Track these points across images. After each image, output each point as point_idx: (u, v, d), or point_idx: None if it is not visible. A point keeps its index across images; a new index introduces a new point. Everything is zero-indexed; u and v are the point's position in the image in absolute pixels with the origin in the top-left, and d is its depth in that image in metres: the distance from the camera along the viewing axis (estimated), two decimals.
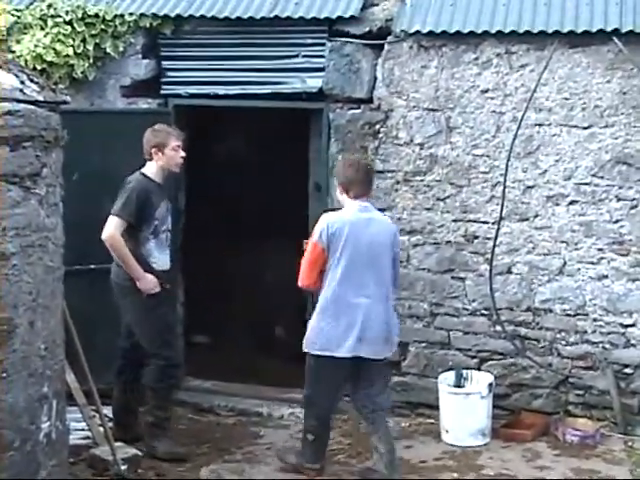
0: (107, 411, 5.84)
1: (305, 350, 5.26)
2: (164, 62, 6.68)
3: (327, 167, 6.48)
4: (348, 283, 5.11)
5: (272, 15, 6.38)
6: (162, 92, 6.70)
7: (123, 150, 6.26)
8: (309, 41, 6.46)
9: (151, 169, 5.67)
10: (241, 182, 7.99)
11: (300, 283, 5.29)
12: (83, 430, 5.58)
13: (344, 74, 6.37)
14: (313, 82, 6.45)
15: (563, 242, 6.19)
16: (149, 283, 5.55)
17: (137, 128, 6.30)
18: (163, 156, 5.63)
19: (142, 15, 6.54)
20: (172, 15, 6.51)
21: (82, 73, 6.57)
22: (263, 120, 7.19)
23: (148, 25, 6.54)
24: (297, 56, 6.49)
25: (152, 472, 5.43)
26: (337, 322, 5.12)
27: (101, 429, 5.45)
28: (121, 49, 6.60)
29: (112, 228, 5.45)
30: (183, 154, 5.71)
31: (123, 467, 5.26)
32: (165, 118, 6.53)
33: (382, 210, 6.35)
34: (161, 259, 5.69)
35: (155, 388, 5.64)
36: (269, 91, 6.53)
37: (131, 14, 6.55)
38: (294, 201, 6.85)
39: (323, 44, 6.42)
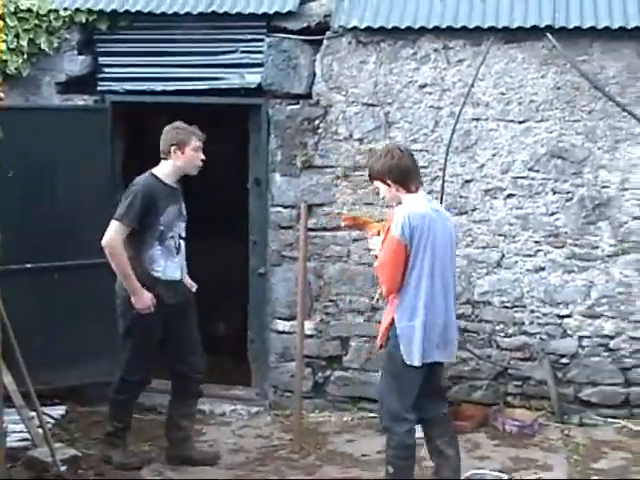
0: (48, 411, 5.81)
1: (408, 363, 4.56)
2: (100, 58, 6.60)
3: (267, 163, 6.48)
4: (434, 285, 4.56)
5: (209, 10, 6.35)
6: (99, 89, 6.61)
7: (59, 147, 6.19)
8: (247, 37, 6.43)
9: (164, 170, 5.28)
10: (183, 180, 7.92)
11: (386, 290, 4.64)
12: (21, 432, 5.50)
13: (282, 70, 6.36)
14: (252, 78, 6.42)
15: (501, 235, 6.27)
16: (144, 301, 5.14)
17: (73, 125, 6.28)
18: (182, 156, 5.24)
19: (77, 10, 6.45)
20: (108, 10, 6.43)
21: (16, 69, 6.46)
22: (201, 116, 7.14)
23: (83, 20, 6.45)
24: (235, 52, 6.46)
25: (91, 472, 5.38)
26: (433, 327, 4.56)
27: (40, 430, 5.37)
28: (56, 45, 6.50)
29: (112, 234, 5.08)
30: (203, 157, 5.34)
31: (62, 468, 5.19)
32: (102, 115, 6.49)
33: (321, 205, 6.42)
34: (168, 268, 5.25)
35: (112, 399, 5.47)
36: (207, 87, 6.49)
37: (66, 9, 6.46)
38: (235, 198, 6.84)
39: (261, 40, 6.40)
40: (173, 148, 5.23)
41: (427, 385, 4.70)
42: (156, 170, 5.30)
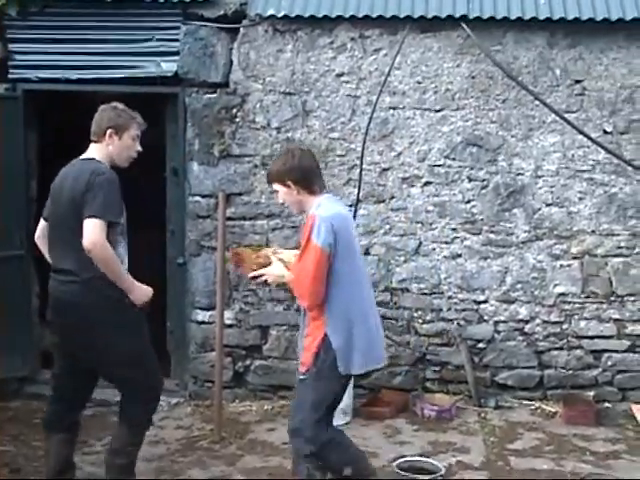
0: None
1: (341, 371, 4.24)
2: (11, 45, 6.41)
3: (184, 152, 6.42)
4: (364, 285, 4.33)
5: None
6: (10, 76, 6.45)
7: None
8: (163, 24, 6.34)
9: (100, 154, 4.57)
10: None
11: (309, 304, 4.26)
12: None
13: (199, 58, 6.31)
14: (168, 66, 6.34)
15: (418, 223, 6.34)
16: (144, 292, 4.53)
17: None
18: (119, 142, 4.57)
19: None
20: None
21: None
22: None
23: None
24: (151, 40, 6.37)
25: (7, 469, 5.26)
26: (369, 330, 4.29)
27: None
28: None
29: (96, 233, 4.27)
30: (140, 149, 4.71)
31: None
32: (13, 103, 6.33)
33: (240, 194, 6.39)
34: (126, 263, 4.61)
35: (135, 422, 4.64)
36: (124, 75, 6.38)
37: None
38: (153, 188, 6.76)
39: (178, 27, 6.33)
40: (109, 131, 4.55)
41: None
42: (94, 155, 4.58)
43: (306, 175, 4.26)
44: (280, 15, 6.18)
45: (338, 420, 5.95)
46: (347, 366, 4.24)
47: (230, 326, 6.40)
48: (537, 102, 6.07)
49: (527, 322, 6.33)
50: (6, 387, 6.32)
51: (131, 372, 4.53)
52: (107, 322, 4.41)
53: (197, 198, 6.43)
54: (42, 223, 4.75)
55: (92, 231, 4.28)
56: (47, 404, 4.81)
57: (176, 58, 6.32)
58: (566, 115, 6.05)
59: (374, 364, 4.38)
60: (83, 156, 4.64)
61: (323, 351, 4.22)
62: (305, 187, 4.26)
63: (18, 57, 6.42)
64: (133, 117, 4.66)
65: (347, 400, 6.07)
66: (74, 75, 6.39)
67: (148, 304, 4.55)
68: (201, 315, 6.50)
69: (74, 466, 4.72)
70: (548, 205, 6.24)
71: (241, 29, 6.30)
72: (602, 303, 6.27)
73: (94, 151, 4.60)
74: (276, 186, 4.34)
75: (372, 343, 4.30)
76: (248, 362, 6.51)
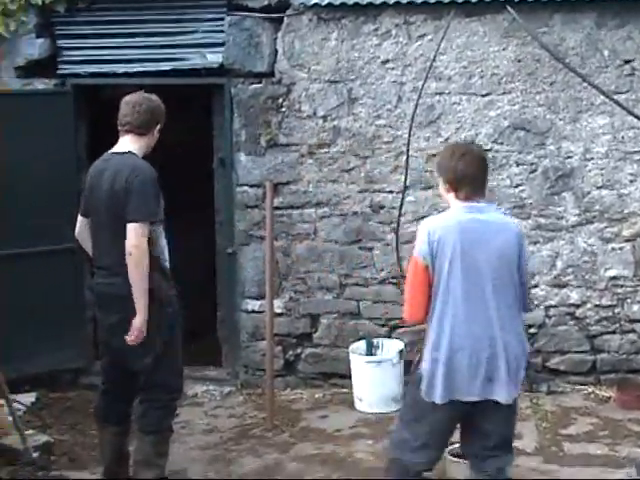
0: (19, 398, 5.79)
1: (425, 398, 3.90)
2: (60, 41, 6.51)
3: (231, 143, 6.45)
4: (465, 309, 3.83)
5: None
6: (59, 72, 6.54)
7: (22, 133, 6.12)
8: (208, 16, 6.38)
9: (140, 148, 4.53)
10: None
11: (408, 318, 4.04)
12: None
13: (244, 49, 6.33)
14: (213, 57, 6.38)
15: None
16: (143, 325, 4.38)
17: (35, 110, 6.21)
18: (153, 137, 4.59)
19: None
20: None
21: None
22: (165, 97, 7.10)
23: (40, 2, 6.35)
24: (196, 32, 6.41)
25: (65, 458, 5.38)
26: (459, 360, 3.83)
27: (10, 418, 5.35)
28: (13, 28, 6.38)
29: (140, 238, 4.29)
30: None
31: (35, 454, 5.18)
32: (63, 98, 6.43)
33: (287, 184, 6.41)
34: (166, 254, 4.61)
35: (160, 430, 4.56)
36: (170, 68, 6.44)
37: None
38: (201, 178, 6.82)
39: (222, 19, 6.35)
40: (158, 126, 4.57)
41: (471, 428, 4.01)
42: (131, 148, 4.51)
43: (458, 180, 3.94)
44: (324, 3, 6.17)
45: (388, 407, 6.02)
46: (429, 391, 3.89)
47: (280, 315, 6.44)
48: (585, 84, 5.99)
49: (578, 306, 6.27)
50: (62, 378, 6.44)
51: (160, 371, 4.47)
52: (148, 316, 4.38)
53: (245, 188, 6.46)
54: (80, 219, 4.73)
55: (135, 235, 4.30)
56: (97, 396, 4.86)
57: (221, 49, 6.36)
58: (615, 96, 5.96)
59: (458, 395, 3.87)
60: (118, 149, 4.57)
61: (420, 364, 3.97)
62: (453, 189, 3.96)
63: (66, 53, 6.52)
64: None
65: (398, 388, 6.09)
66: (121, 69, 6.47)
67: (139, 336, 4.39)
68: (251, 304, 6.54)
69: (129, 455, 4.76)
70: (598, 188, 6.16)
71: (285, 18, 6.30)
72: None
73: (131, 144, 4.52)
74: (438, 176, 4.13)
75: (463, 374, 3.84)
76: (299, 350, 6.54)
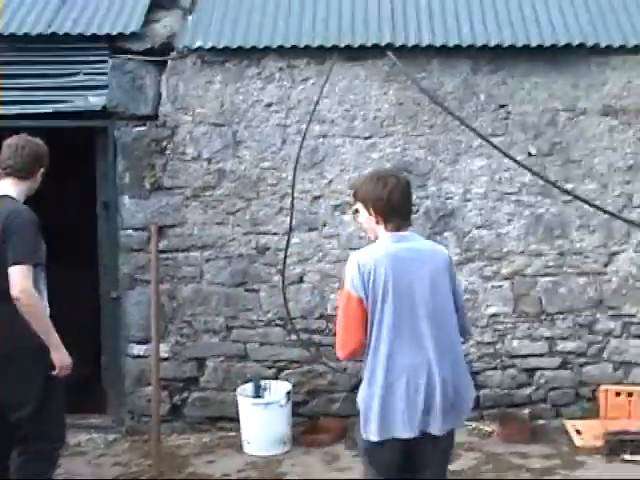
0: None
1: (362, 435, 3.83)
2: None
3: (115, 186, 6.38)
4: (399, 339, 3.74)
5: (49, 32, 6.22)
6: None
7: None
8: (90, 58, 6.32)
9: (20, 191, 4.43)
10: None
11: (341, 353, 3.84)
12: None
13: (127, 91, 6.29)
14: (96, 100, 6.29)
15: (352, 249, 6.35)
16: (67, 359, 4.34)
17: None
18: (36, 180, 4.51)
19: None
20: None
21: None
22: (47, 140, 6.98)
23: None
24: (79, 74, 6.34)
25: None
26: (394, 393, 3.74)
27: None
28: None
29: (23, 280, 4.13)
30: None
31: None
32: None
33: (172, 227, 6.36)
34: (46, 298, 4.47)
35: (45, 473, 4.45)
36: (51, 110, 6.32)
37: None
38: (83, 223, 6.70)
39: (105, 61, 6.31)
40: (42, 170, 4.51)
41: (407, 464, 3.86)
42: (10, 192, 4.40)
43: (390, 210, 3.86)
44: (208, 47, 6.22)
45: (277, 449, 5.99)
46: (366, 429, 3.80)
47: (166, 359, 6.35)
48: (463, 127, 6.19)
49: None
50: None
51: (41, 421, 4.33)
52: (26, 368, 4.27)
53: (129, 231, 6.38)
54: None
55: (19, 278, 4.15)
56: None
57: (104, 91, 6.29)
58: (492, 139, 6.18)
59: (396, 432, 3.76)
60: None
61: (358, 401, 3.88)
62: (384, 220, 3.87)
63: None
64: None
65: (286, 429, 6.08)
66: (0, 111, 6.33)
67: (66, 371, 4.35)
68: (136, 349, 6.43)
69: None
70: (478, 227, 6.35)
71: (169, 61, 6.31)
72: (533, 322, 6.38)
73: (11, 187, 4.42)
74: (359, 205, 3.98)
75: (398, 408, 3.74)
76: (185, 395, 6.46)
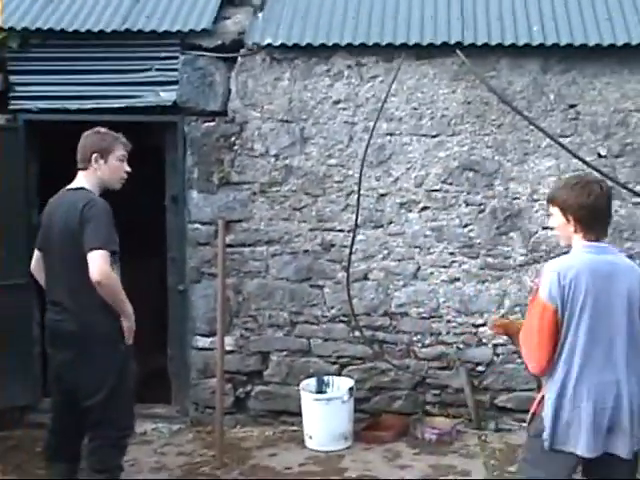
0: None
1: (543, 438, 3.71)
2: (12, 76, 6.49)
3: (183, 180, 6.48)
4: (592, 354, 3.64)
5: (123, 28, 6.34)
6: (10, 107, 6.52)
7: None
8: (162, 54, 6.43)
9: (90, 182, 4.53)
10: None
11: (532, 367, 3.75)
12: None
13: (198, 87, 6.39)
14: (167, 95, 6.42)
15: (416, 247, 6.39)
16: (133, 326, 4.50)
17: None
18: (105, 166, 4.53)
19: None
20: (18, 28, 6.35)
21: None
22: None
23: None
24: (150, 69, 6.46)
25: None
26: (582, 408, 3.62)
27: None
28: None
29: (102, 264, 4.26)
30: (128, 168, 4.65)
31: None
32: (14, 133, 6.41)
33: (239, 221, 6.44)
34: None
35: (110, 469, 4.51)
36: (123, 105, 6.46)
37: None
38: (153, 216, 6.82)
39: (176, 57, 6.41)
40: (95, 156, 4.50)
41: None
42: (85, 184, 4.53)
43: (592, 219, 3.72)
44: (277, 44, 6.27)
45: (338, 445, 6.03)
46: (551, 439, 3.68)
47: (231, 352, 6.43)
48: (532, 127, 6.14)
49: None
50: (8, 416, 6.34)
51: (111, 409, 4.43)
52: (99, 354, 4.39)
53: (197, 225, 6.48)
54: (36, 254, 4.73)
55: (99, 263, 4.25)
56: (46, 435, 4.79)
57: (175, 87, 6.40)
58: (560, 139, 6.12)
59: (578, 447, 3.64)
60: (71, 185, 4.60)
61: (538, 414, 3.76)
62: (583, 229, 3.73)
63: (19, 88, 6.50)
64: (116, 137, 4.61)
65: (348, 425, 6.11)
66: (74, 105, 6.47)
67: (131, 335, 4.52)
68: (202, 341, 6.53)
69: None
70: (544, 228, 6.29)
71: (239, 58, 6.38)
72: None
73: (82, 179, 4.55)
74: (554, 210, 3.82)
75: (586, 423, 3.62)
76: (249, 388, 6.54)
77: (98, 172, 4.54)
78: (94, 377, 4.40)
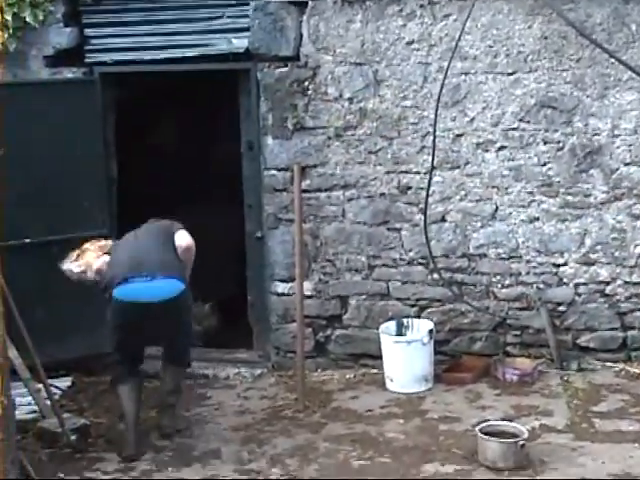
0: (55, 383, 5.91)
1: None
2: (87, 30, 6.58)
3: (258, 126, 6.50)
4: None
5: None
6: (86, 60, 6.61)
7: (51, 121, 6.21)
8: (233, 1, 6.42)
9: None
10: (174, 145, 7.96)
11: None
12: (29, 405, 5.60)
13: (270, 33, 6.35)
14: (239, 42, 6.41)
15: (494, 187, 6.30)
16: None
17: (63, 98, 6.28)
18: None
19: None
20: None
21: (2, 44, 6.44)
22: (190, 82, 7.15)
23: None
24: (222, 17, 6.45)
25: (102, 440, 5.49)
26: None
27: (48, 402, 5.46)
28: (41, 18, 6.46)
29: (190, 237, 5.54)
30: None
31: (73, 437, 5.30)
32: (91, 86, 6.50)
33: (315, 167, 6.44)
34: None
35: (190, 363, 5.79)
36: (196, 53, 6.48)
37: None
38: (228, 162, 6.88)
39: (247, 3, 6.38)
40: None
41: None
42: None
43: None
44: None
45: (419, 387, 6.06)
46: None
47: (310, 297, 6.49)
48: (612, 60, 5.95)
49: (608, 284, 6.25)
50: (98, 362, 6.52)
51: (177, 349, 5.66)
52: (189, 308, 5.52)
53: (273, 172, 6.51)
54: None
55: (188, 236, 5.49)
56: (113, 369, 5.59)
57: (247, 34, 6.38)
58: None
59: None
60: None
61: None
62: None
63: (93, 41, 6.59)
64: None
65: (428, 367, 6.13)
66: (147, 56, 6.52)
67: None
68: (281, 287, 6.60)
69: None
70: (626, 164, 6.13)
71: (310, 2, 6.31)
72: None
73: None
74: None
75: None
76: (329, 332, 6.60)
77: None
78: (178, 330, 5.57)
